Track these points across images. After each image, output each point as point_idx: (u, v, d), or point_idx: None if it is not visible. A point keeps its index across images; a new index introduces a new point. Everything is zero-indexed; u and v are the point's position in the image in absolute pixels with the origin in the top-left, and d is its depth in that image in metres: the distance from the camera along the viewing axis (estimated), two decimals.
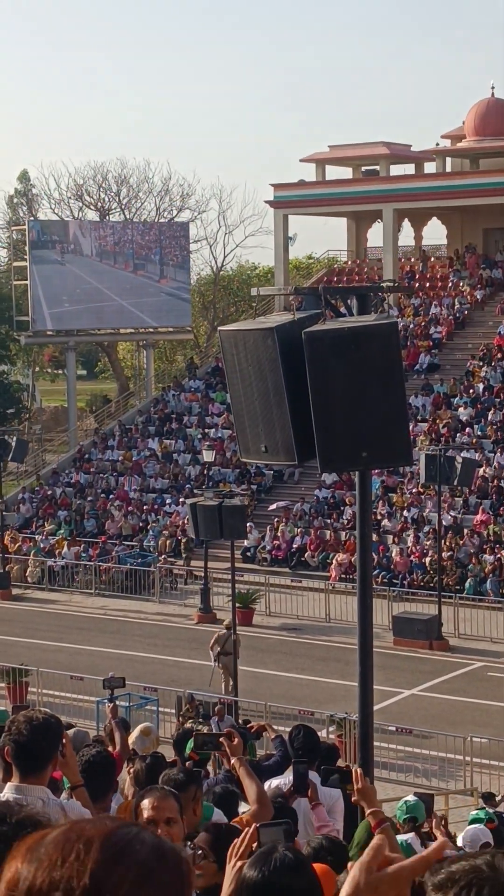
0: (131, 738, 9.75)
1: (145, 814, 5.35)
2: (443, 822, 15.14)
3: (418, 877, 2.42)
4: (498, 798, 17.50)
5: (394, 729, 22.78)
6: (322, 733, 20.13)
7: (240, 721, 20.97)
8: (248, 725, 17.22)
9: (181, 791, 5.88)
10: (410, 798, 7.99)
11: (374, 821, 5.55)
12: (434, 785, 21.71)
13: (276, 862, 3.54)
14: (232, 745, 6.56)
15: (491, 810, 14.90)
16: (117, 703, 11.03)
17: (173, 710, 23.79)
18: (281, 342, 6.84)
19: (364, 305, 7.59)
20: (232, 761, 6.54)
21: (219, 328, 7.54)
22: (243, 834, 4.31)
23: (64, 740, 5.51)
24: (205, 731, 8.62)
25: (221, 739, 6.62)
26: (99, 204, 70.74)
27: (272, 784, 7.87)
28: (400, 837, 7.67)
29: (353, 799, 5.84)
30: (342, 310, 7.66)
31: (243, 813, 6.46)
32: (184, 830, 5.47)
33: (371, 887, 2.33)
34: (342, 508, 40.98)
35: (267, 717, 23.38)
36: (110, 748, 9.26)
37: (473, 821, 11.23)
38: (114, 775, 7.30)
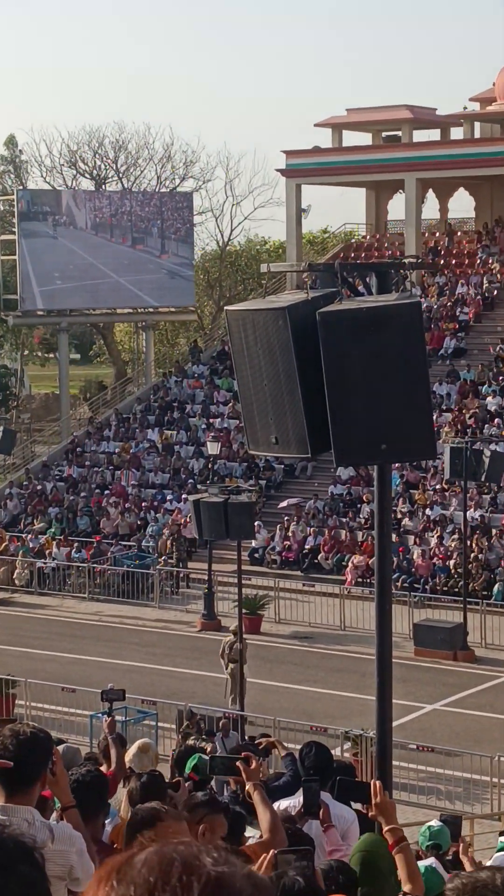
0: (128, 756, 9.77)
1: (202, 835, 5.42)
2: (465, 848, 15.16)
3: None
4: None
5: (414, 747, 22.79)
6: (336, 751, 20.16)
7: (246, 738, 21.00)
8: (256, 742, 17.25)
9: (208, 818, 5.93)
10: (435, 823, 8.00)
11: (392, 839, 5.56)
12: (458, 808, 21.72)
13: (286, 887, 3.54)
14: (249, 770, 6.56)
15: None
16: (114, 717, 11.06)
17: (173, 726, 23.83)
18: (293, 323, 6.83)
19: (384, 284, 7.58)
20: (247, 787, 6.55)
21: (225, 308, 7.53)
22: (260, 860, 4.32)
23: (54, 757, 5.52)
24: (221, 755, 8.63)
25: (238, 764, 6.63)
26: (94, 172, 70.79)
27: (281, 806, 7.89)
28: (422, 863, 7.68)
29: (370, 814, 5.85)
30: (360, 288, 7.66)
31: (251, 841, 6.48)
32: None
33: None
34: (359, 506, 40.98)
35: (276, 733, 23.40)
36: (104, 766, 9.28)
37: (502, 848, 11.24)
38: (106, 796, 7.33)
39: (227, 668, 26.78)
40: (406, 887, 5.52)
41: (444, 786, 22.51)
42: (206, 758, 8.94)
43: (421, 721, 26.63)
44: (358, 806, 7.77)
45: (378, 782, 5.97)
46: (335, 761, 10.39)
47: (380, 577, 7.72)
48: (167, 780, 7.75)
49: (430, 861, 8.09)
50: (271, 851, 4.50)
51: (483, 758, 22.46)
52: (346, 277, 7.28)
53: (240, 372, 7.30)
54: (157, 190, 66.75)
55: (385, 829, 5.70)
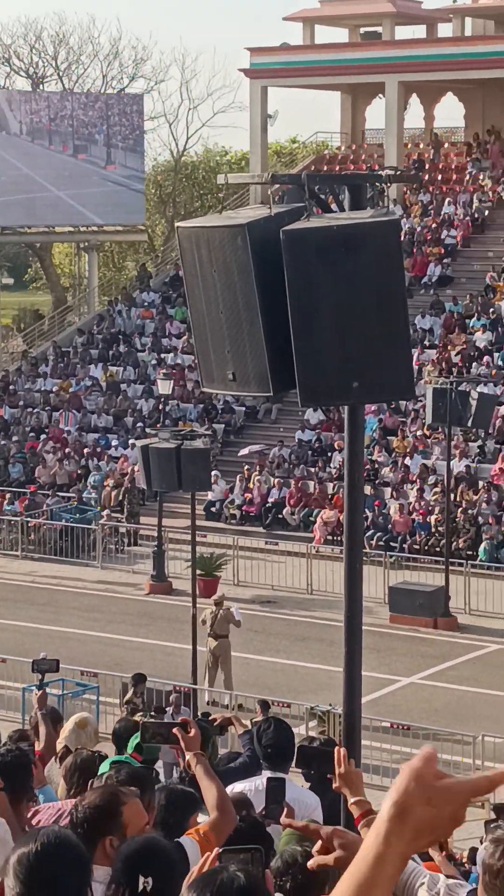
0: (64, 733, 9.78)
1: (141, 822, 5.40)
2: (445, 840, 15.31)
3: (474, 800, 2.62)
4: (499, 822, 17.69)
5: (388, 725, 22.97)
6: (300, 729, 20.30)
7: (199, 714, 21.12)
8: (211, 718, 17.33)
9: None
10: None
11: (359, 811, 5.59)
12: None
13: (223, 885, 3.55)
14: (187, 738, 6.59)
15: None
16: (47, 690, 11.06)
17: (117, 700, 23.93)
18: (254, 243, 6.75)
19: (358, 199, 7.51)
20: (187, 757, 6.57)
21: (177, 225, 7.46)
22: (202, 860, 4.34)
23: None
24: (154, 720, 8.67)
25: (175, 731, 6.66)
26: (31, 70, 70.08)
27: (235, 789, 7.93)
28: None
29: (333, 786, 5.88)
30: (332, 205, 7.60)
31: (200, 823, 6.50)
32: None
33: (423, 796, 2.38)
34: (330, 455, 41.08)
35: (233, 708, 23.54)
36: (37, 745, 9.31)
37: None
38: (30, 777, 7.35)
39: (208, 645, 26.63)
40: None
41: None
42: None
43: (396, 696, 26.83)
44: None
45: (343, 749, 6.00)
46: (316, 738, 10.45)
47: (349, 534, 7.72)
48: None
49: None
50: (215, 850, 4.53)
51: (465, 737, 22.68)
52: (314, 191, 7.22)
53: (193, 299, 7.23)
54: (102, 91, 66.20)
55: (350, 801, 5.73)
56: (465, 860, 15.16)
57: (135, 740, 8.82)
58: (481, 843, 15.49)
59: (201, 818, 6.86)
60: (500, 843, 3.20)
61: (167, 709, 21.36)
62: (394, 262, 6.80)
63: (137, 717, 19.36)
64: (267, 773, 8.64)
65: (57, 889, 3.61)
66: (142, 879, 4.66)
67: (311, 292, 6.72)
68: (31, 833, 3.79)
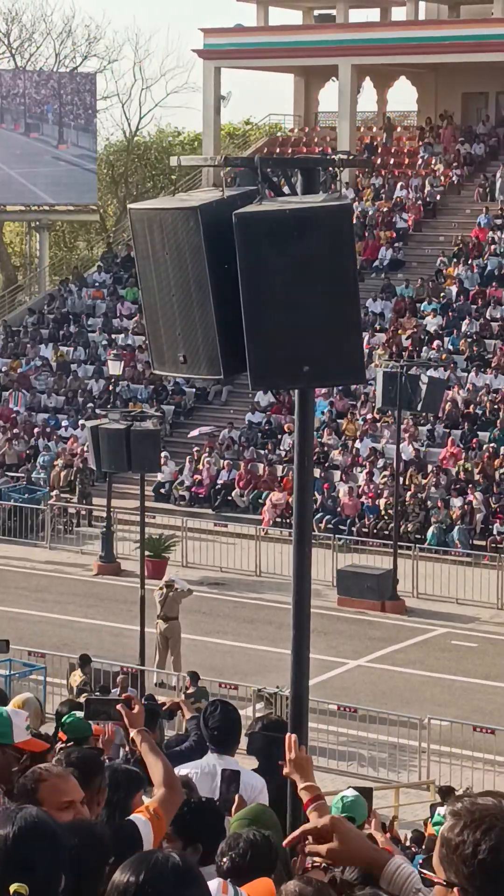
0: None
1: (63, 797, 5.36)
2: (391, 822, 15.41)
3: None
4: (458, 793, 17.81)
5: (335, 707, 23.06)
6: (247, 711, 20.35)
7: (145, 696, 21.11)
8: (160, 703, 17.33)
9: (83, 785, 5.90)
10: (348, 793, 8.06)
11: (308, 796, 5.63)
12: (383, 776, 22.07)
13: (156, 866, 3.54)
14: (131, 714, 6.59)
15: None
16: None
17: (64, 681, 23.90)
18: (206, 225, 6.74)
19: (311, 183, 7.51)
20: (132, 734, 6.57)
21: (129, 206, 7.44)
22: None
23: None
24: (98, 697, 8.65)
25: (119, 707, 6.66)
26: None
27: (181, 772, 7.94)
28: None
29: (284, 771, 5.91)
30: (285, 188, 7.60)
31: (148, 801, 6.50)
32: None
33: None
34: (279, 437, 41.13)
35: (180, 691, 23.56)
36: None
37: (438, 823, 11.43)
38: None
39: (157, 627, 26.60)
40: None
41: (368, 751, 22.83)
42: (80, 715, 8.96)
43: (343, 679, 26.94)
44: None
45: (293, 735, 6.03)
46: (266, 719, 10.47)
47: (298, 517, 7.73)
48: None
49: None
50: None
51: (412, 720, 22.79)
52: (267, 174, 7.21)
53: (144, 280, 7.21)
54: (55, 69, 65.83)
55: (300, 786, 5.76)
56: (409, 842, 15.24)
57: (67, 719, 8.81)
58: (425, 825, 15.59)
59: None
60: (460, 817, 3.26)
61: (113, 690, 21.34)
62: (346, 247, 6.80)
63: (82, 697, 19.36)
64: (213, 756, 8.66)
65: (35, 872, 3.59)
66: (13, 887, 4.36)
67: (263, 276, 6.71)
68: (6, 815, 3.74)
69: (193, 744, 9.30)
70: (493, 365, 41.32)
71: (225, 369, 6.89)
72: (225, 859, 6.03)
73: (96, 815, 6.14)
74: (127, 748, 9.64)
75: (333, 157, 7.63)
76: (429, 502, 36.68)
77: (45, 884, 3.60)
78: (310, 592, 7.64)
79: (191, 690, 22.47)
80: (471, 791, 18.26)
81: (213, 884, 5.24)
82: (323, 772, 21.41)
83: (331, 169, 7.69)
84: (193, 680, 22.85)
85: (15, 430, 43.97)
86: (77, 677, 22.83)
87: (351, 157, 8.73)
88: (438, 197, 49.88)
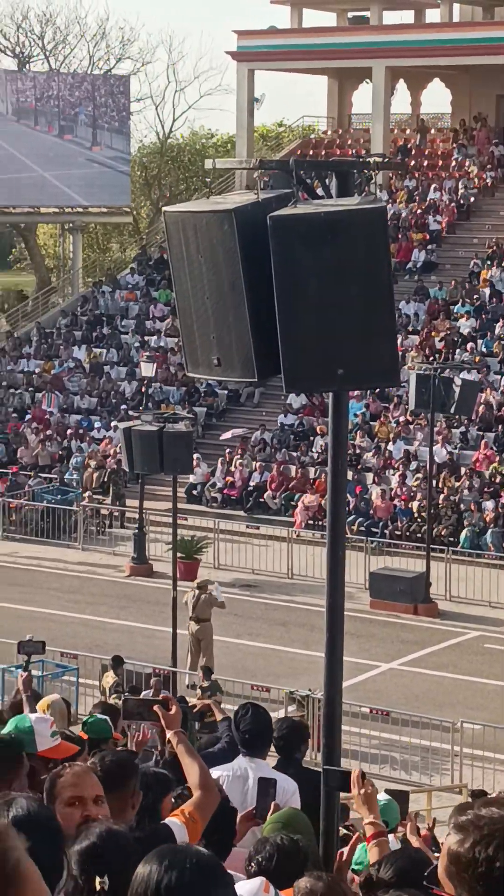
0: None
1: (67, 792, 5.36)
2: (426, 826, 15.38)
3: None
4: (491, 797, 17.77)
5: (368, 711, 23.02)
6: (279, 713, 20.34)
7: (176, 697, 21.13)
8: (190, 705, 17.39)
9: (117, 788, 5.90)
10: (380, 797, 8.07)
11: (372, 831, 5.63)
12: (415, 779, 22.03)
13: (187, 863, 3.50)
14: (168, 716, 6.57)
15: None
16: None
17: (96, 682, 23.94)
18: (241, 228, 6.75)
19: (345, 185, 7.51)
20: (168, 735, 6.55)
21: (163, 209, 7.46)
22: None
23: None
24: (134, 697, 8.66)
25: (155, 708, 6.64)
26: (17, 49, 69.82)
27: (212, 775, 7.94)
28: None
29: (353, 806, 5.94)
30: (319, 191, 7.60)
31: (182, 804, 6.49)
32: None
33: None
34: (312, 439, 41.10)
35: (201, 689, 23.55)
36: None
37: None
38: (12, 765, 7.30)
39: (189, 629, 26.60)
40: None
41: (400, 754, 22.79)
42: (102, 717, 8.98)
43: (376, 681, 26.89)
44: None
45: (359, 770, 6.05)
46: (288, 719, 10.50)
47: (332, 519, 7.72)
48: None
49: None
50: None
51: (444, 723, 22.74)
52: (301, 177, 7.21)
53: (178, 283, 7.22)
54: (89, 72, 66.01)
55: (365, 821, 5.78)
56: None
57: (89, 719, 8.83)
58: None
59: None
60: (467, 831, 3.13)
61: (145, 692, 21.38)
62: (380, 250, 6.80)
63: (112, 699, 19.40)
64: (244, 759, 8.66)
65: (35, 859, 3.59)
66: (98, 880, 4.46)
67: (297, 278, 6.72)
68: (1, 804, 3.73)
69: (226, 745, 9.31)
70: None
71: (259, 372, 6.90)
72: (252, 864, 6.03)
73: (130, 819, 6.13)
74: (159, 750, 9.66)
75: (368, 159, 7.63)
76: (462, 505, 36.60)
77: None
78: (343, 595, 7.64)
79: (205, 685, 22.55)
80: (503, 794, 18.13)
81: (255, 882, 5.22)
82: None
83: (365, 171, 7.69)
84: (207, 675, 22.94)
85: (48, 432, 44.09)
86: (109, 679, 22.88)
87: (385, 160, 8.75)
88: (472, 199, 49.77)
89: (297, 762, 9.27)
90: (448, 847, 3.16)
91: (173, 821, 6.06)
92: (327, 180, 7.65)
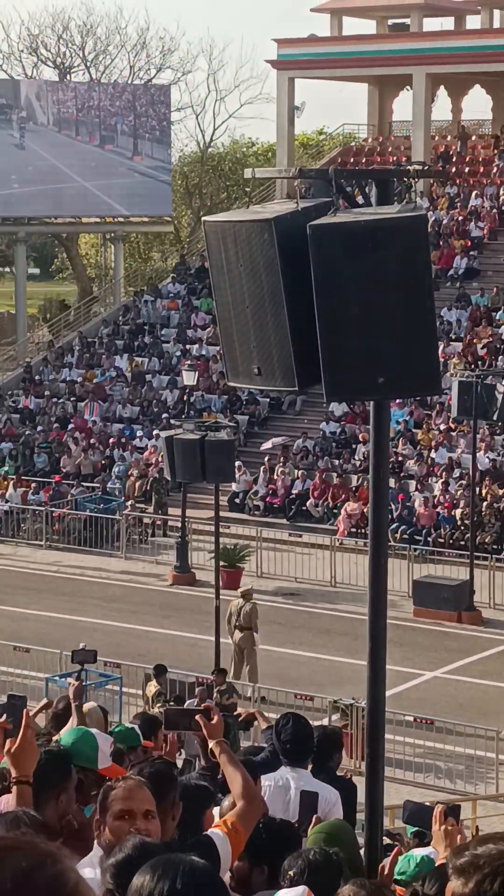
0: (73, 723, 9.80)
1: (118, 805, 5.37)
2: (471, 834, 15.31)
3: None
4: (486, 833, 17.67)
5: (411, 719, 22.96)
6: (323, 722, 20.30)
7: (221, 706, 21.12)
8: (235, 714, 17.37)
9: (156, 800, 5.89)
10: (421, 851, 8.06)
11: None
12: (460, 788, 21.95)
13: (181, 873, 3.50)
14: (210, 725, 6.53)
15: None
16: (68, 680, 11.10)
17: (140, 691, 23.97)
18: (280, 237, 6.76)
19: (386, 193, 7.50)
20: (210, 745, 6.52)
21: (203, 219, 7.47)
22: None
23: (25, 718, 5.59)
24: (176, 707, 8.66)
25: (198, 717, 6.62)
26: (58, 60, 70.13)
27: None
28: (419, 852, 7.82)
29: (433, 843, 5.94)
30: (359, 199, 7.60)
31: (224, 815, 6.46)
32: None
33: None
34: (354, 446, 41.06)
35: (256, 702, 23.57)
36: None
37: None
38: (65, 776, 7.30)
39: (232, 637, 26.60)
40: None
41: (445, 763, 22.72)
42: (130, 725, 8.98)
43: (420, 690, 26.82)
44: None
45: (441, 807, 6.03)
46: (321, 727, 10.48)
47: (375, 527, 7.71)
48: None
49: (428, 851, 8.16)
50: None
51: (489, 732, 22.65)
52: (341, 185, 7.21)
53: (218, 292, 7.24)
54: (129, 82, 66.22)
55: (440, 857, 5.79)
56: None
57: (116, 728, 8.81)
58: None
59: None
60: (469, 874, 3.00)
61: (190, 700, 21.39)
62: (421, 258, 6.79)
63: (156, 709, 19.40)
64: (286, 769, 8.65)
65: None
66: None
67: (338, 287, 6.72)
68: None
69: (269, 755, 9.29)
70: None
71: (300, 381, 6.90)
72: (285, 879, 6.01)
73: (171, 831, 6.11)
74: (201, 762, 9.65)
75: (408, 167, 7.62)
76: None
77: None
78: (386, 603, 7.62)
79: (223, 688, 22.55)
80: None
81: (298, 891, 5.22)
82: (398, 783, 21.34)
83: (405, 179, 7.68)
84: (221, 676, 22.95)
85: (90, 441, 44.21)
86: (152, 688, 22.89)
87: (426, 168, 8.71)
88: None
89: (331, 770, 9.26)
90: (452, 892, 3.07)
91: (216, 832, 6.03)
92: (367, 188, 7.65)
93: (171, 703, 20.36)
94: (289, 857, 6.07)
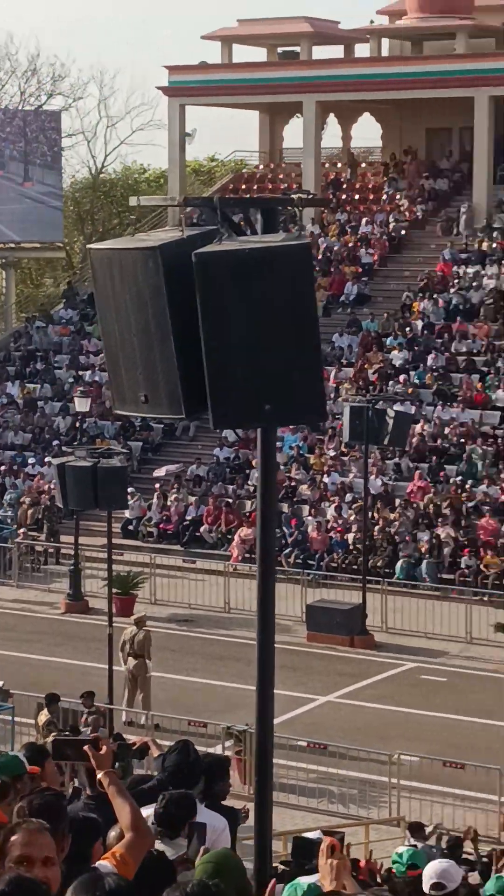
0: None
1: (16, 851, 5.32)
2: (365, 858, 15.37)
3: None
4: (428, 829, 17.80)
5: (304, 744, 22.98)
6: (216, 749, 20.29)
7: (113, 734, 21.04)
8: (130, 742, 17.29)
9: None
10: (402, 849, 8.09)
11: None
12: (353, 812, 22.01)
13: (98, 890, 3.53)
14: (98, 756, 6.50)
15: (420, 845, 15.18)
16: None
17: (32, 721, 23.77)
18: (166, 265, 6.79)
19: (271, 221, 7.55)
20: (98, 776, 6.49)
21: (88, 247, 7.48)
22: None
23: None
24: (65, 737, 8.58)
25: (86, 748, 6.58)
26: None
27: (143, 813, 7.92)
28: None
29: (320, 876, 5.94)
30: (252, 228, 7.63)
31: (111, 847, 6.43)
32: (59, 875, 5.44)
33: None
34: (247, 472, 41.13)
35: (150, 730, 23.48)
36: None
37: (395, 862, 11.50)
38: None
39: (125, 664, 26.42)
40: None
41: (338, 787, 22.76)
42: (13, 754, 8.87)
43: (313, 715, 26.87)
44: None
45: (331, 840, 6.04)
46: (207, 754, 10.48)
47: (262, 552, 7.76)
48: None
49: (315, 878, 8.17)
50: None
51: (381, 756, 22.74)
52: (227, 214, 7.25)
53: (105, 320, 7.25)
54: (20, 108, 65.92)
55: (326, 889, 5.80)
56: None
57: (1, 759, 8.71)
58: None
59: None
60: None
61: (84, 729, 21.25)
62: (305, 286, 6.85)
63: (49, 738, 19.24)
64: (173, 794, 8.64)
65: None
66: None
67: (223, 315, 6.76)
68: None
69: (157, 783, 9.27)
70: (458, 399, 41.44)
71: (187, 409, 6.93)
72: None
73: (59, 863, 6.06)
74: (87, 792, 9.57)
75: (293, 196, 7.68)
76: (397, 536, 36.71)
77: None
78: (273, 628, 7.65)
79: (91, 709, 22.58)
80: (441, 826, 18.15)
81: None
82: (292, 808, 21.37)
83: (290, 208, 7.74)
84: (89, 699, 22.96)
85: None
86: (44, 716, 22.73)
87: (311, 196, 8.79)
88: (403, 232, 50.07)
89: (216, 797, 9.26)
90: None
91: (104, 864, 6.00)
92: (253, 218, 7.70)
93: (68, 733, 20.24)
94: (167, 890, 6.03)
